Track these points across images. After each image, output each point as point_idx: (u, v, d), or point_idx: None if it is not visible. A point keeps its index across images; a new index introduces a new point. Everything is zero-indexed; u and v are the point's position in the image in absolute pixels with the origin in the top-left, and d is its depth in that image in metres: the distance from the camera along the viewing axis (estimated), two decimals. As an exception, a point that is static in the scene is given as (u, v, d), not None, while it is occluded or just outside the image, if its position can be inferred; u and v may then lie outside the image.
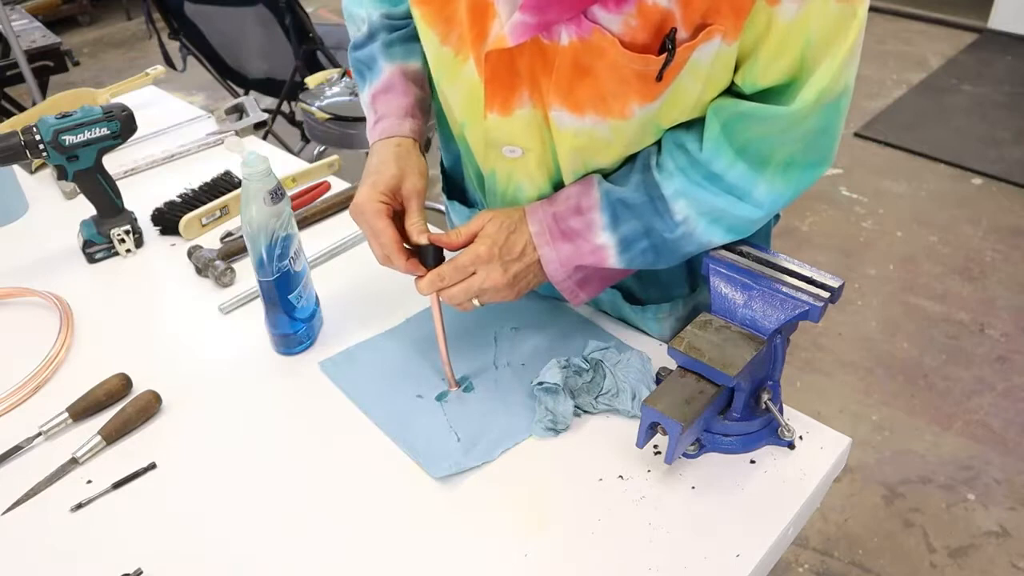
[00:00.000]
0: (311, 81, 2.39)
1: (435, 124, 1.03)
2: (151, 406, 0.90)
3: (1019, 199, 3.04)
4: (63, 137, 1.10)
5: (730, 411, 0.82)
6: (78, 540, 0.78)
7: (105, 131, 1.14)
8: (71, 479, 0.84)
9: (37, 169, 1.41)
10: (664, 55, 0.70)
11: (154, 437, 0.89)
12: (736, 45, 0.71)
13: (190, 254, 1.15)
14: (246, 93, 2.95)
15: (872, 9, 0.72)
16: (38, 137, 1.09)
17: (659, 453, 0.83)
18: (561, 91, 0.76)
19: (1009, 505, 1.91)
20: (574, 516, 0.78)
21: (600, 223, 0.82)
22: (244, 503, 0.81)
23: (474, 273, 0.84)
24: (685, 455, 0.82)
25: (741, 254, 0.84)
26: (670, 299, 0.99)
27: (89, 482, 0.84)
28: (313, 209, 1.24)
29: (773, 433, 0.84)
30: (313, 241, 1.17)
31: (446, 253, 0.87)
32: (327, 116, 2.29)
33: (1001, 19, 4.31)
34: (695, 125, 0.80)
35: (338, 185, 1.34)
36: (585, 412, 0.88)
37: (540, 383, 0.86)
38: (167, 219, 1.23)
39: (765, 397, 0.82)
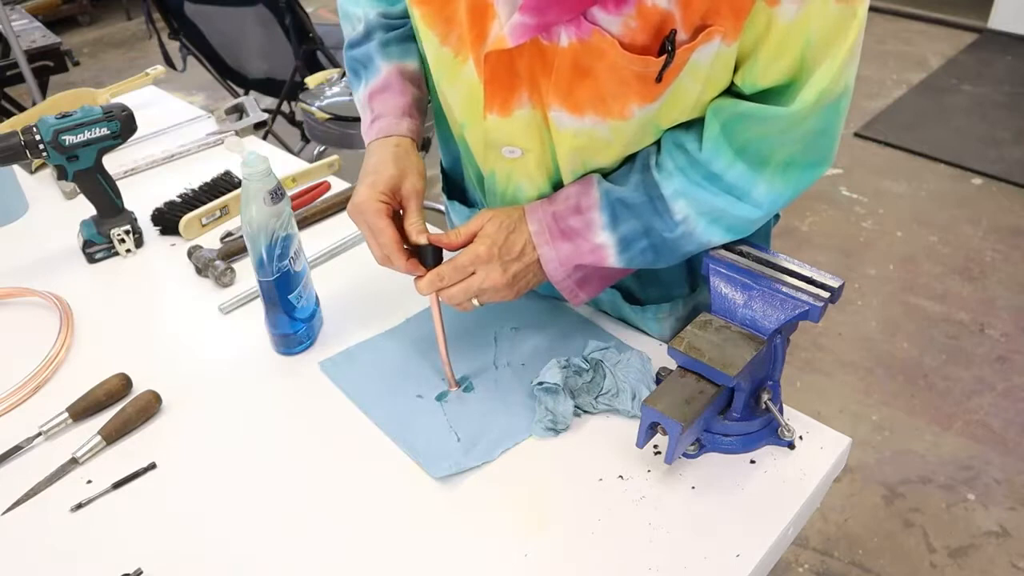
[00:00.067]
0: (311, 81, 2.39)
1: (434, 124, 1.03)
2: (151, 406, 0.90)
3: (1019, 199, 3.04)
4: (63, 137, 1.10)
5: (730, 411, 0.82)
6: (78, 540, 0.78)
7: (105, 131, 1.14)
8: (71, 479, 0.84)
9: (37, 169, 1.41)
10: (664, 56, 0.70)
11: (154, 437, 0.89)
12: (736, 46, 0.71)
13: (190, 254, 1.15)
14: (246, 93, 2.95)
15: (872, 9, 0.72)
16: (38, 137, 1.09)
17: (659, 453, 0.83)
18: (560, 92, 0.76)
19: (1009, 505, 1.91)
20: (574, 516, 0.78)
21: (599, 222, 0.82)
22: (244, 503, 0.81)
23: (473, 273, 0.84)
24: (685, 455, 0.82)
25: (741, 254, 0.84)
26: (670, 299, 0.99)
27: (89, 482, 0.84)
28: (313, 209, 1.24)
29: (773, 433, 0.84)
30: (313, 241, 1.17)
31: (445, 253, 0.87)
32: (327, 116, 2.29)
33: (1001, 19, 4.31)
34: (695, 125, 0.80)
35: (338, 185, 1.34)
36: (585, 412, 0.88)
37: (540, 383, 0.86)
38: (167, 219, 1.23)
39: (765, 397, 0.82)
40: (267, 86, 2.89)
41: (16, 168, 1.34)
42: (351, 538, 0.77)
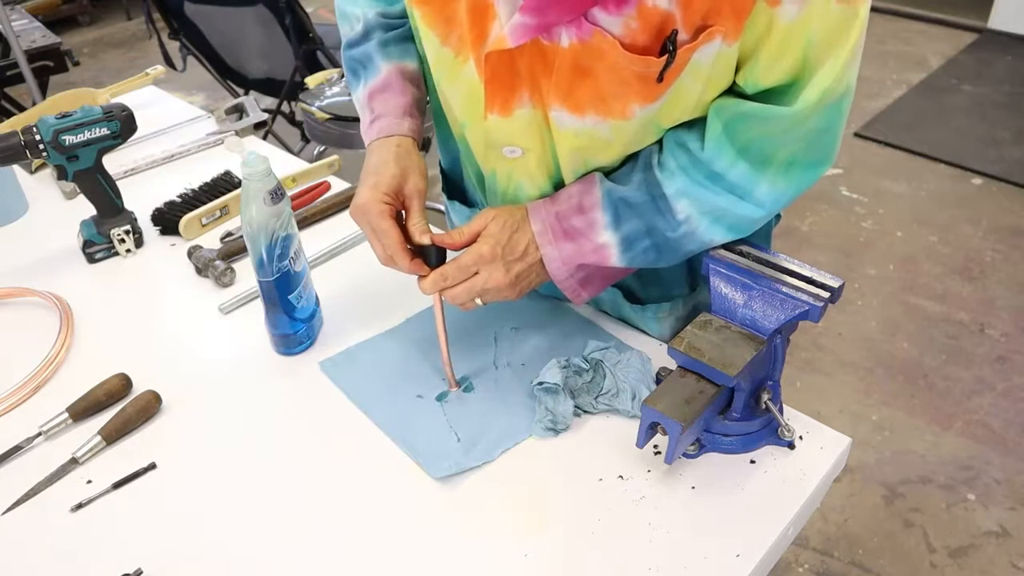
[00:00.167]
0: (311, 81, 2.39)
1: (433, 124, 1.03)
2: (151, 406, 0.90)
3: (1019, 199, 3.04)
4: (63, 137, 1.10)
5: (730, 411, 0.82)
6: (78, 540, 0.78)
7: (105, 131, 1.14)
8: (71, 479, 0.84)
9: (37, 169, 1.41)
10: (665, 57, 0.70)
11: (154, 437, 0.89)
12: (737, 46, 0.71)
13: (190, 254, 1.15)
14: (246, 93, 2.95)
15: (872, 9, 0.72)
16: (38, 137, 1.09)
17: (659, 453, 0.83)
18: (561, 92, 0.76)
19: (1009, 505, 1.91)
20: (574, 516, 0.78)
21: (602, 222, 0.82)
22: (244, 503, 0.81)
23: (477, 273, 0.84)
24: (685, 455, 0.82)
25: (741, 254, 0.84)
26: (670, 298, 0.99)
27: (89, 482, 0.84)
28: (313, 209, 1.24)
29: (773, 433, 0.84)
30: (313, 241, 1.17)
31: (448, 252, 0.87)
32: (327, 116, 2.29)
33: (1001, 19, 4.31)
34: (696, 124, 0.80)
35: (338, 185, 1.34)
36: (585, 412, 0.88)
37: (540, 383, 0.86)
38: (167, 219, 1.23)
39: (765, 397, 0.82)
40: (267, 86, 2.89)
41: (16, 168, 1.34)
42: (351, 538, 0.77)
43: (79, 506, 0.81)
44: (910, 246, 2.81)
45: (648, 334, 1.00)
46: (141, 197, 1.27)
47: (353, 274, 1.12)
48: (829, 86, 0.72)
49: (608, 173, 0.85)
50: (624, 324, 1.01)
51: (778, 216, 1.01)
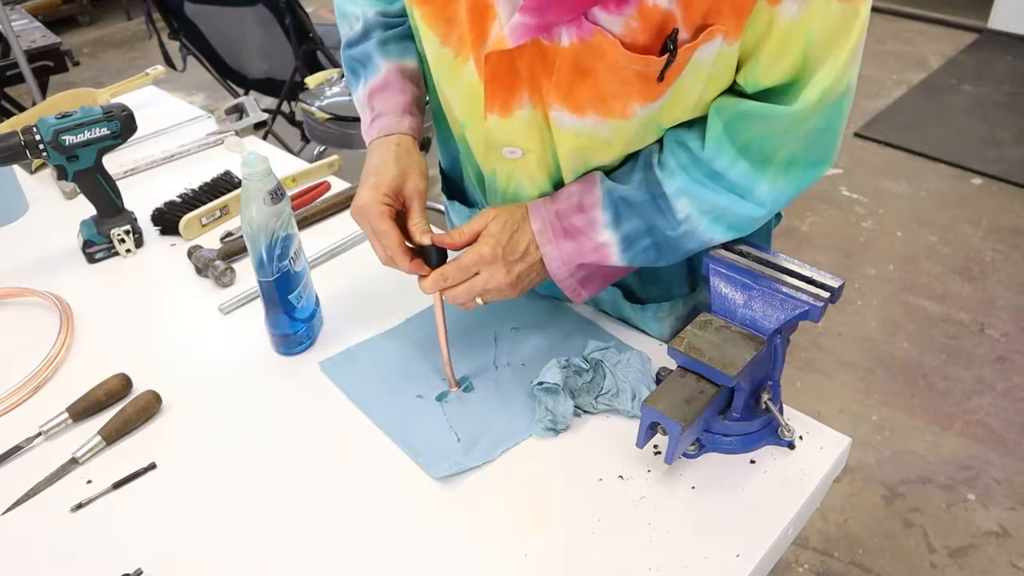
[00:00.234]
0: (311, 81, 2.39)
1: (432, 124, 1.03)
2: (151, 406, 0.90)
3: (1019, 199, 3.04)
4: (63, 137, 1.10)
5: (730, 411, 0.82)
6: (78, 540, 0.78)
7: (105, 131, 1.14)
8: (71, 479, 0.84)
9: (37, 169, 1.41)
10: (666, 56, 0.70)
11: (154, 437, 0.89)
12: (737, 45, 0.71)
13: (190, 254, 1.15)
14: (246, 93, 2.95)
15: (872, 9, 0.72)
16: (38, 137, 1.09)
17: (659, 453, 0.83)
18: (561, 92, 0.76)
19: (1009, 505, 1.91)
20: (574, 516, 0.78)
21: (602, 221, 0.82)
22: (244, 503, 0.81)
23: (477, 273, 0.84)
24: (685, 455, 0.82)
25: (741, 254, 0.84)
26: (670, 298, 0.99)
27: (89, 482, 0.84)
28: (313, 209, 1.24)
29: (773, 433, 0.84)
30: (313, 241, 1.17)
31: (449, 252, 0.87)
32: (327, 116, 2.29)
33: (1001, 19, 4.31)
34: (697, 123, 0.80)
35: (338, 185, 1.34)
36: (585, 412, 0.88)
37: (540, 383, 0.86)
38: (167, 219, 1.23)
39: (765, 397, 0.82)
40: (267, 86, 2.89)
41: (16, 168, 1.34)
42: (351, 538, 0.77)
43: (79, 506, 0.81)
44: (910, 246, 2.81)
45: (648, 334, 1.00)
46: (141, 197, 1.27)
47: (353, 274, 1.12)
48: (830, 85, 0.72)
49: (608, 172, 0.85)
50: (624, 324, 1.01)
51: (778, 215, 1.01)
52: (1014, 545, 1.82)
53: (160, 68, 1.70)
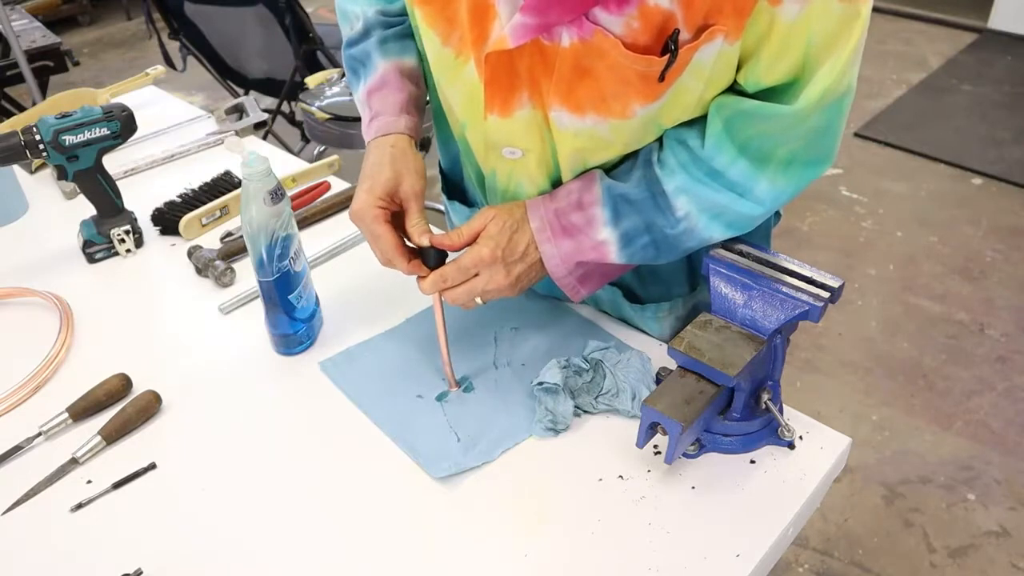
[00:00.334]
0: (311, 81, 2.39)
1: (433, 124, 1.03)
2: (151, 406, 0.90)
3: (1019, 199, 3.04)
4: (63, 137, 1.10)
5: (730, 411, 0.82)
6: (78, 540, 0.78)
7: (105, 131, 1.14)
8: (71, 479, 0.84)
9: (37, 169, 1.41)
10: (667, 56, 0.70)
11: (154, 437, 0.89)
12: (738, 45, 0.71)
13: (190, 254, 1.15)
14: (246, 93, 2.95)
15: (872, 9, 0.72)
16: (38, 137, 1.09)
17: (659, 453, 0.83)
18: (561, 92, 0.76)
19: (1009, 505, 1.91)
20: (574, 516, 0.78)
21: (602, 219, 0.82)
22: (244, 503, 0.81)
23: (477, 274, 0.84)
24: (685, 455, 0.82)
25: (741, 254, 0.84)
26: (670, 298, 0.99)
27: (89, 482, 0.84)
28: (313, 209, 1.24)
29: (773, 433, 0.84)
30: (313, 241, 1.17)
31: (449, 252, 0.87)
32: (327, 116, 2.29)
33: (1001, 19, 4.31)
34: (697, 121, 0.80)
35: (338, 185, 1.34)
36: (585, 412, 0.88)
37: (540, 383, 0.86)
38: (167, 219, 1.23)
39: (765, 397, 0.82)
40: (267, 86, 2.89)
41: (16, 168, 1.34)
42: (351, 538, 0.77)
43: (79, 506, 0.81)
44: (910, 246, 2.81)
45: (648, 334, 1.00)
46: (141, 197, 1.27)
47: (353, 274, 1.12)
48: (830, 85, 0.72)
49: (608, 170, 0.85)
50: (624, 324, 1.01)
51: (778, 215, 1.01)
52: (1014, 545, 1.82)
53: (160, 68, 1.70)
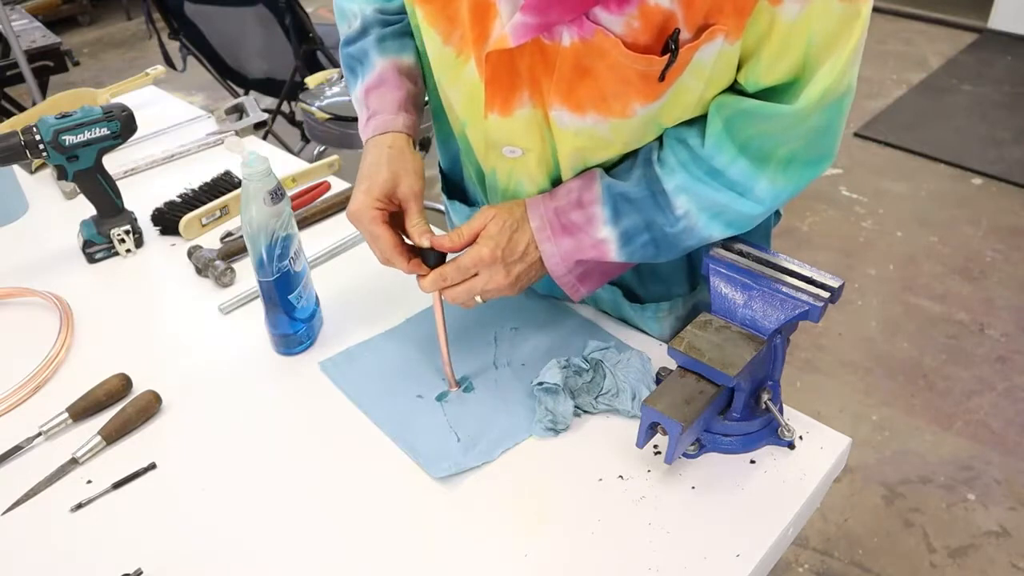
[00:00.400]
0: (311, 81, 2.39)
1: (432, 124, 1.03)
2: (151, 406, 0.90)
3: (1019, 199, 3.04)
4: (63, 137, 1.10)
5: (730, 411, 0.82)
6: (78, 540, 0.78)
7: (105, 131, 1.14)
8: (71, 479, 0.84)
9: (37, 169, 1.41)
10: (667, 56, 0.70)
11: (154, 437, 0.89)
12: (738, 45, 0.71)
13: (190, 254, 1.15)
14: (246, 93, 2.95)
15: (872, 9, 0.72)
16: (38, 137, 1.09)
17: (659, 453, 0.83)
18: (562, 91, 0.76)
19: (1009, 505, 1.91)
20: (574, 516, 0.78)
21: (601, 217, 0.82)
22: (244, 503, 0.81)
23: (476, 274, 0.84)
24: (685, 455, 0.82)
25: (741, 254, 0.84)
26: (670, 297, 0.99)
27: (89, 482, 0.84)
28: (313, 209, 1.24)
29: (773, 433, 0.84)
30: (313, 241, 1.17)
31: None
32: (327, 116, 2.29)
33: (1001, 19, 4.31)
34: (697, 120, 0.80)
35: (338, 185, 1.34)
36: (585, 412, 0.88)
37: (540, 383, 0.86)
38: (167, 219, 1.23)
39: (765, 397, 0.82)
40: (267, 86, 2.89)
41: (16, 168, 1.34)
42: (351, 538, 0.77)
43: (79, 506, 0.81)
44: (910, 246, 2.81)
45: (648, 334, 1.00)
46: (141, 197, 1.27)
47: (353, 274, 1.12)
48: (830, 85, 0.72)
49: (608, 169, 0.85)
50: (624, 324, 1.01)
51: (778, 214, 1.01)
52: (1014, 545, 1.82)
53: (160, 68, 1.70)
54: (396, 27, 0.94)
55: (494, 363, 0.95)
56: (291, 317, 0.96)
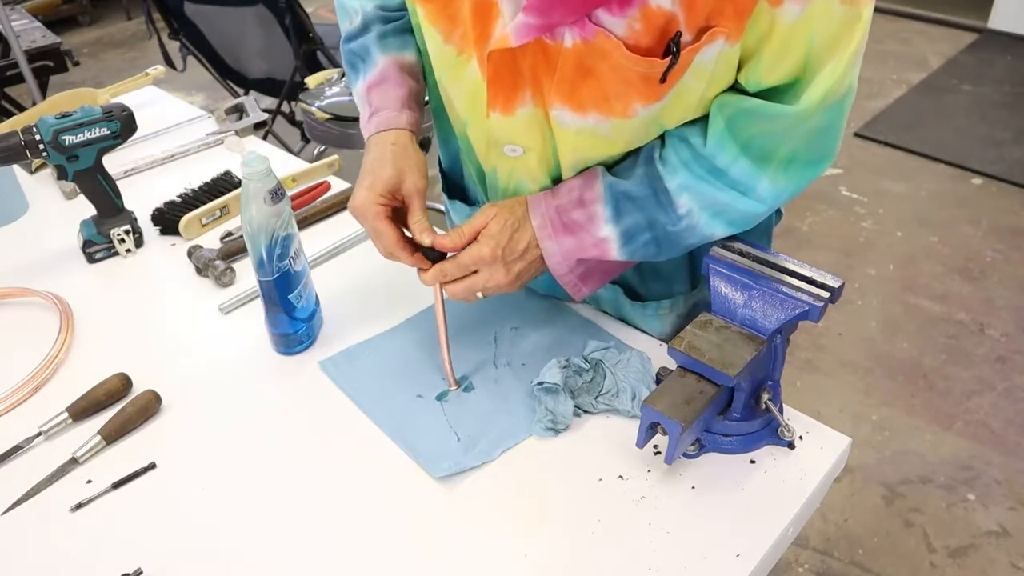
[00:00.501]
0: (311, 81, 2.39)
1: (433, 124, 1.03)
2: (151, 406, 0.90)
3: (1019, 199, 3.04)
4: (63, 137, 1.10)
5: (730, 411, 0.82)
6: (78, 540, 0.78)
7: (105, 131, 1.14)
8: (71, 479, 0.84)
9: (37, 169, 1.41)
10: (668, 58, 0.70)
11: (154, 437, 0.89)
12: (739, 46, 0.71)
13: (190, 254, 1.15)
14: (246, 93, 2.95)
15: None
16: (38, 137, 1.09)
17: (659, 453, 0.83)
18: (564, 91, 0.76)
19: (1009, 505, 1.91)
20: (574, 516, 0.78)
21: (603, 216, 0.83)
22: (244, 503, 0.81)
23: (477, 272, 0.84)
24: (685, 455, 0.82)
25: (741, 254, 0.84)
26: (671, 295, 0.99)
27: (89, 482, 0.84)
28: (313, 209, 1.24)
29: (773, 433, 0.84)
30: (313, 241, 1.17)
31: None
32: (327, 116, 2.29)
33: (1001, 19, 4.31)
34: (699, 119, 0.80)
35: (338, 185, 1.34)
36: (585, 412, 0.88)
37: (540, 383, 0.86)
38: (167, 219, 1.23)
39: (765, 397, 0.82)
40: (267, 86, 2.89)
41: (16, 168, 1.34)
42: (351, 538, 0.77)
43: (79, 506, 0.81)
44: (910, 246, 2.81)
45: (648, 333, 1.00)
46: (141, 197, 1.27)
47: (353, 274, 1.12)
48: (832, 86, 0.72)
49: (609, 167, 0.85)
50: (624, 324, 1.01)
51: (779, 213, 1.01)
52: (1014, 545, 1.82)
53: (160, 68, 1.70)
54: (397, 24, 0.94)
55: (494, 363, 0.95)
56: (291, 317, 0.96)
